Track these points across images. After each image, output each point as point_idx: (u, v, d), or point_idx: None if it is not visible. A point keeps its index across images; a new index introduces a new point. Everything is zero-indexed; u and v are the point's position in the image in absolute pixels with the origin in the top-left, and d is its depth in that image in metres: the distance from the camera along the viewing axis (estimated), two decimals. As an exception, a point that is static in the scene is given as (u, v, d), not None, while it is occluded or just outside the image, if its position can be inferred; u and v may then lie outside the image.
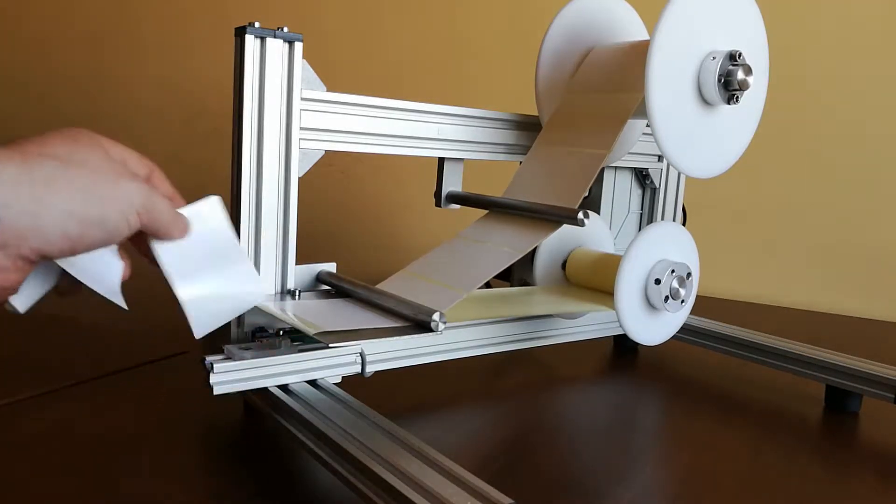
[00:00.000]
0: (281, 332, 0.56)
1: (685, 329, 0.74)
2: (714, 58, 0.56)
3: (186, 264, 0.45)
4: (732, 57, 0.56)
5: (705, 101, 0.57)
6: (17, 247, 0.34)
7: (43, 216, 0.35)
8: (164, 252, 0.44)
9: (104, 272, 0.41)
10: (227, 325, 0.55)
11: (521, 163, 0.68)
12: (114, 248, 0.42)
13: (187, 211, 0.45)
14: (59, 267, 0.40)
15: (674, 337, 0.69)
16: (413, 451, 0.41)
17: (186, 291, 0.45)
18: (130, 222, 0.39)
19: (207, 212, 0.46)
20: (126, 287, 0.44)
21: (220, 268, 0.47)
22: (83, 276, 0.40)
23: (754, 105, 0.61)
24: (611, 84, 0.64)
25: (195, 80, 1.59)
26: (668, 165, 0.81)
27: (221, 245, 0.47)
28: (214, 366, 0.48)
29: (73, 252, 0.37)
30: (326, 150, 0.59)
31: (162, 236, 0.43)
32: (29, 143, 0.36)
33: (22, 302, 0.40)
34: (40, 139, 0.37)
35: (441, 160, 0.69)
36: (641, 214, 0.83)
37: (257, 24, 0.53)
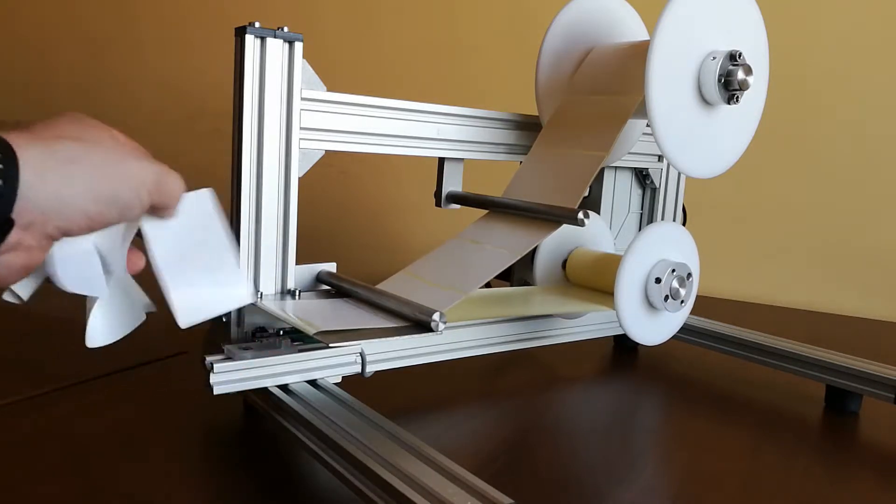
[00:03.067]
0: (281, 332, 0.56)
1: (685, 329, 0.74)
2: (714, 58, 0.56)
3: (174, 251, 0.44)
4: (732, 57, 0.56)
5: (705, 101, 0.57)
6: (43, 225, 0.35)
7: (66, 196, 0.35)
8: (154, 235, 0.43)
9: (84, 264, 0.41)
10: (228, 324, 0.55)
11: (521, 163, 0.68)
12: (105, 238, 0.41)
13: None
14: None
15: (674, 337, 0.69)
16: (413, 451, 0.41)
17: (172, 278, 0.44)
18: (142, 199, 0.39)
19: (195, 201, 0.45)
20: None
21: (207, 262, 0.46)
22: (63, 267, 0.40)
23: (754, 105, 0.61)
24: (611, 84, 0.64)
25: (195, 80, 1.59)
26: (668, 165, 0.81)
27: (210, 239, 0.46)
28: (214, 366, 0.48)
29: (91, 229, 0.38)
30: (326, 150, 0.59)
31: (169, 214, 0.43)
32: (40, 126, 0.36)
33: (26, 289, 0.40)
34: (50, 123, 0.37)
35: (441, 160, 0.69)
36: (641, 214, 0.83)
37: (257, 24, 0.53)
